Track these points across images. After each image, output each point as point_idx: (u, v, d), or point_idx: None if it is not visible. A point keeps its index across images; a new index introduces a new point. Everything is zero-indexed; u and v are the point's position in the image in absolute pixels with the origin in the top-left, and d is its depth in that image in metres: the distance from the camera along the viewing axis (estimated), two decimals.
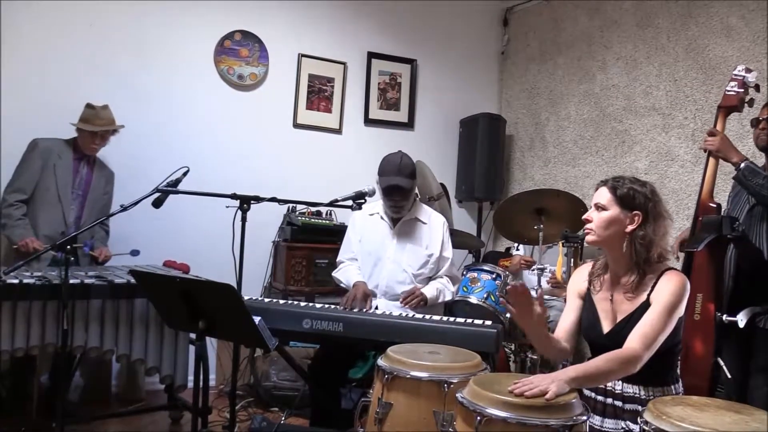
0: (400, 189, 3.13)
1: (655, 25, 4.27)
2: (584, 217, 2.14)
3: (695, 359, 2.58)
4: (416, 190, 3.32)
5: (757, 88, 2.89)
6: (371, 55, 5.02)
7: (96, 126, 3.60)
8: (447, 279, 3.28)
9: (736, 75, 2.87)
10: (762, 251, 2.72)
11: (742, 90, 2.84)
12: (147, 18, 4.22)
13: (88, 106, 3.64)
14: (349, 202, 2.97)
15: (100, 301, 3.01)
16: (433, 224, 3.29)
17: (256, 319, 2.15)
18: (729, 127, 3.64)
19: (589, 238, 2.12)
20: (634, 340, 1.92)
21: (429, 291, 3.16)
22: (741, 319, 2.61)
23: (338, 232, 3.73)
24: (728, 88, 2.87)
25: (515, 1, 5.50)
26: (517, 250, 4.12)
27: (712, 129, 2.86)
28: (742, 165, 2.69)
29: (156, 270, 3.36)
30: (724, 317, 2.65)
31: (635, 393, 1.99)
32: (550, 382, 1.75)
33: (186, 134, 4.36)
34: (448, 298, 3.27)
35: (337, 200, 2.97)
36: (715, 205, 2.81)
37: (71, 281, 2.76)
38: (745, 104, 2.87)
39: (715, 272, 2.72)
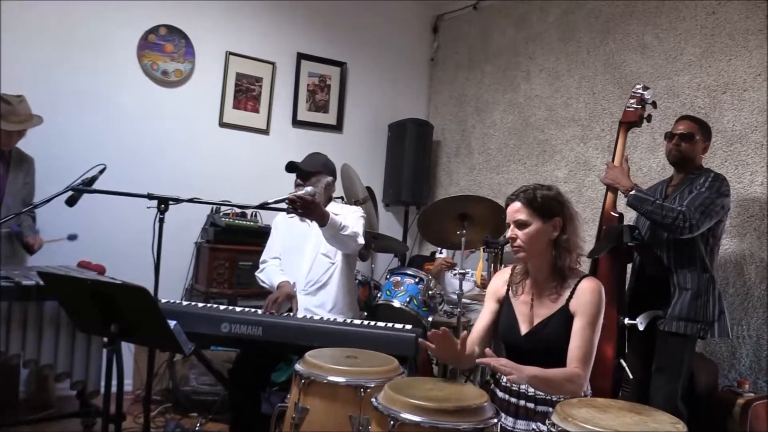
0: (297, 169, 3.15)
1: (576, 39, 4.43)
2: (509, 236, 2.15)
3: (599, 361, 2.68)
4: (329, 190, 3.29)
5: (654, 104, 3.08)
6: (301, 56, 4.99)
7: (13, 124, 3.43)
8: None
9: (635, 92, 3.05)
10: (662, 258, 2.88)
11: (641, 106, 3.02)
12: (67, 4, 4.05)
13: (3, 100, 3.43)
14: (283, 205, 2.90)
15: (6, 303, 2.85)
16: (346, 212, 3.28)
17: (172, 323, 2.09)
18: (641, 139, 3.84)
19: (520, 256, 2.12)
20: (576, 363, 1.98)
21: (334, 217, 2.95)
22: (640, 322, 2.77)
23: (263, 234, 3.68)
24: (628, 105, 3.05)
25: (446, 8, 5.59)
26: (441, 253, 4.19)
27: (608, 161, 3.05)
28: (631, 194, 2.85)
29: (68, 271, 3.22)
30: (626, 320, 2.79)
31: (546, 395, 2.05)
32: (513, 370, 1.87)
33: (106, 130, 4.21)
34: (347, 233, 3.00)
35: (268, 203, 2.91)
36: (617, 215, 2.97)
37: None
38: (644, 120, 3.06)
39: (617, 278, 2.89)
